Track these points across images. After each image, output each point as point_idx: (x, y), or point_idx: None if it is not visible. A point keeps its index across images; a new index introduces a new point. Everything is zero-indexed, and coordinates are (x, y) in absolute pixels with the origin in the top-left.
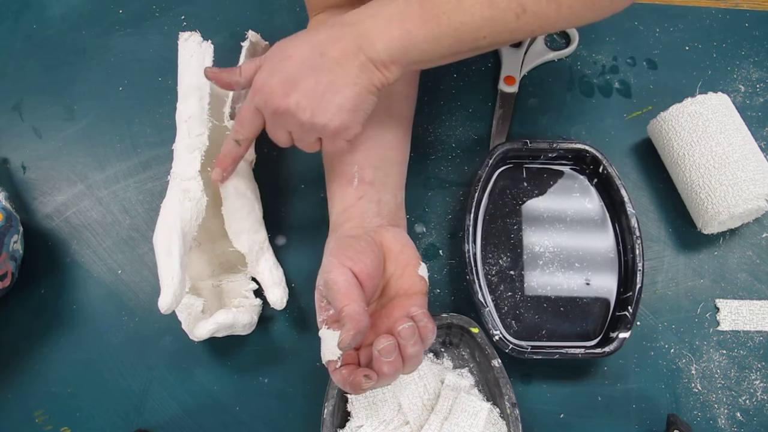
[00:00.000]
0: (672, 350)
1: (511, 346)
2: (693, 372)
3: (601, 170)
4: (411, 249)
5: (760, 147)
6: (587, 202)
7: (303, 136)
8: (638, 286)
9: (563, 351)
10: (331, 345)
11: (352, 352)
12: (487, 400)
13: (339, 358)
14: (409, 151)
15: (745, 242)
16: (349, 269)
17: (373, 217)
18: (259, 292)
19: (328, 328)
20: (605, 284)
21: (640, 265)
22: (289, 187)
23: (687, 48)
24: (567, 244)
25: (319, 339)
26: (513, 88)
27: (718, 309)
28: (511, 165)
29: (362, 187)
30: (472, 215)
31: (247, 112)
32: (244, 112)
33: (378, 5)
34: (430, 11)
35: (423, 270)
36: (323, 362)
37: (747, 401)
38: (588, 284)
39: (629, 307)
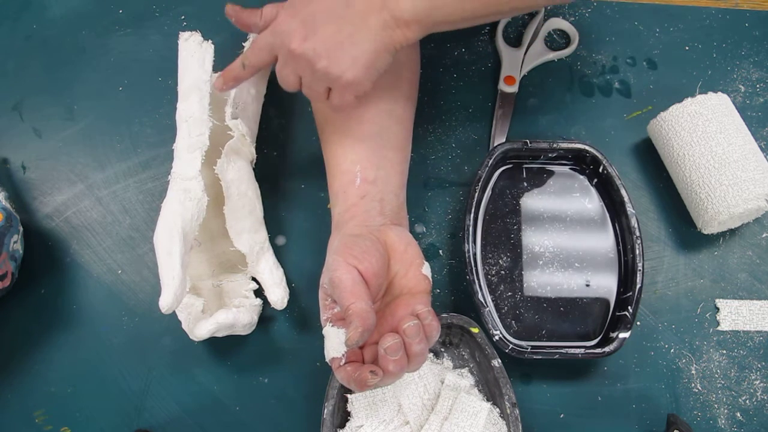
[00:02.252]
0: (672, 350)
1: (511, 346)
2: (693, 372)
3: (601, 170)
4: (414, 248)
5: (760, 147)
6: (587, 202)
7: (313, 84)
8: (638, 286)
9: (563, 351)
10: (335, 342)
11: (356, 349)
12: (487, 400)
13: (343, 355)
14: (410, 151)
15: (745, 242)
16: (354, 267)
17: (376, 216)
18: (259, 292)
19: (332, 326)
20: (605, 284)
21: (640, 265)
22: (290, 187)
23: (687, 48)
24: (567, 244)
25: (320, 338)
26: (513, 88)
27: (718, 309)
28: (511, 165)
29: (364, 186)
30: (472, 215)
31: (262, 44)
32: (259, 41)
33: None
34: None
35: (426, 269)
36: (327, 360)
37: (747, 401)
38: (588, 284)
39: (629, 307)
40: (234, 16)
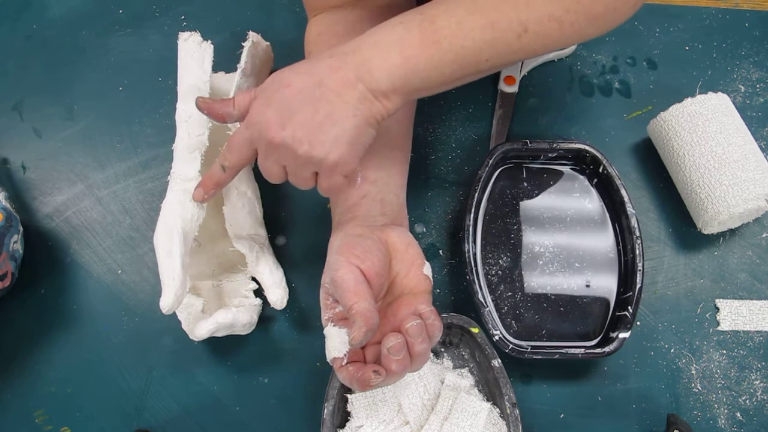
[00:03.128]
0: (672, 350)
1: (511, 346)
2: (693, 372)
3: (601, 170)
4: (415, 248)
5: (760, 147)
6: (587, 202)
7: (298, 171)
8: (638, 286)
9: (563, 351)
10: (337, 342)
11: (358, 349)
12: (487, 400)
13: (345, 355)
14: (410, 151)
15: (745, 242)
16: (357, 267)
17: (377, 216)
18: (259, 292)
19: (334, 326)
20: (605, 284)
21: (640, 265)
22: (289, 187)
23: (687, 48)
24: (567, 244)
25: (320, 338)
26: (513, 88)
27: (718, 309)
28: (511, 165)
29: (365, 186)
30: (472, 215)
31: (239, 140)
32: (235, 138)
33: (377, 33)
34: (431, 37)
35: (427, 269)
36: (328, 360)
37: (747, 401)
38: (588, 284)
39: (629, 307)
40: (206, 109)
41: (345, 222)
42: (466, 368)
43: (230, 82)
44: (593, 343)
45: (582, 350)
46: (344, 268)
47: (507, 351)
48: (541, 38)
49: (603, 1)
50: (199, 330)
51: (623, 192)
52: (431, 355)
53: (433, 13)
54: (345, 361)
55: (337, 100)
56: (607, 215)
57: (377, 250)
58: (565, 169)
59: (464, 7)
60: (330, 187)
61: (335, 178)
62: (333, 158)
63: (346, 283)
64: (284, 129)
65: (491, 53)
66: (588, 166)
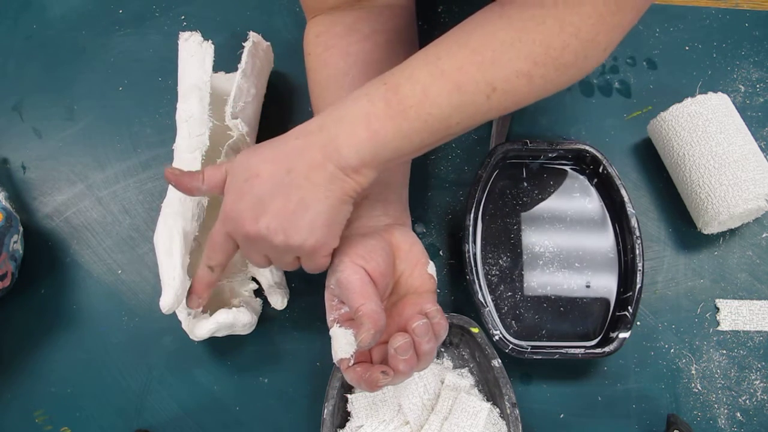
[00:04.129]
0: (672, 350)
1: (511, 346)
2: (693, 372)
3: (601, 170)
4: (419, 247)
5: (760, 147)
6: (587, 202)
7: (280, 258)
8: (638, 286)
9: (563, 351)
10: (343, 343)
11: (365, 350)
12: (487, 400)
13: (352, 356)
14: None
15: (745, 242)
16: (362, 267)
17: (380, 216)
18: (259, 292)
19: (340, 327)
20: (605, 284)
21: (640, 265)
22: None
23: (687, 48)
24: (567, 244)
25: (320, 338)
26: None
27: (718, 309)
28: (511, 165)
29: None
30: (472, 215)
31: (219, 237)
32: (215, 237)
33: (341, 108)
34: (396, 107)
35: (431, 268)
36: (335, 361)
37: (747, 401)
38: (588, 284)
39: (629, 307)
40: (174, 180)
41: (348, 223)
42: (466, 368)
43: (230, 82)
44: (593, 343)
45: (582, 350)
46: (349, 269)
47: (507, 351)
48: (511, 95)
49: (572, 50)
50: (199, 330)
51: (623, 192)
52: None
53: (396, 82)
54: (352, 362)
55: (306, 185)
56: (607, 215)
57: (381, 250)
58: (565, 169)
59: (428, 72)
60: (314, 269)
61: (317, 260)
62: (311, 243)
63: (352, 285)
64: (258, 222)
65: (461, 117)
66: (588, 166)
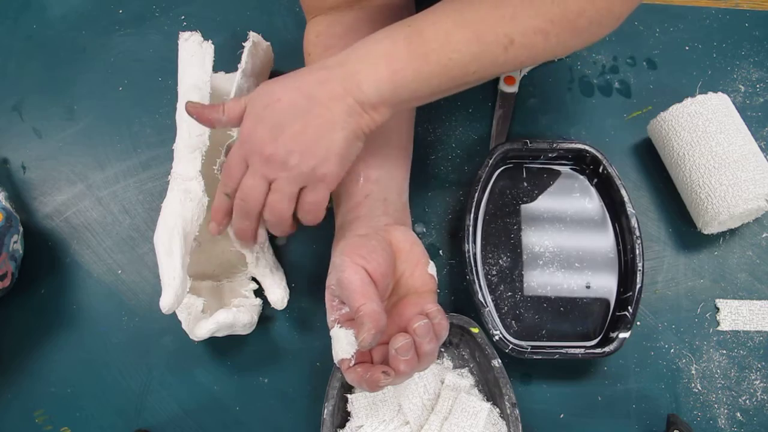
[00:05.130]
0: (672, 350)
1: (511, 346)
2: (693, 372)
3: (601, 170)
4: (419, 247)
5: (760, 147)
6: (587, 202)
7: (284, 185)
8: (638, 286)
9: (563, 351)
10: (344, 343)
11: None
12: (487, 400)
13: (352, 356)
14: (412, 151)
15: (745, 242)
16: (362, 268)
17: (381, 216)
18: (259, 292)
19: (340, 327)
20: (605, 284)
21: (640, 265)
22: None
23: (687, 48)
24: (567, 244)
25: (320, 338)
26: (513, 88)
27: (718, 309)
28: (511, 165)
29: (368, 185)
30: (472, 215)
31: (235, 161)
32: (231, 161)
33: (365, 46)
34: (418, 49)
35: (432, 268)
36: (335, 361)
37: (747, 401)
38: (588, 284)
39: (629, 307)
40: (195, 114)
41: (348, 222)
42: (466, 368)
43: (230, 82)
44: (593, 343)
45: (582, 350)
46: (350, 269)
47: (507, 351)
48: (527, 50)
49: (587, 17)
50: (200, 330)
51: (623, 192)
52: None
53: (420, 26)
54: (352, 362)
55: (325, 113)
56: (607, 215)
57: (382, 250)
58: (565, 169)
59: (452, 20)
60: (314, 202)
61: (320, 191)
62: (322, 170)
63: (352, 285)
64: (276, 141)
65: (478, 66)
66: (588, 166)
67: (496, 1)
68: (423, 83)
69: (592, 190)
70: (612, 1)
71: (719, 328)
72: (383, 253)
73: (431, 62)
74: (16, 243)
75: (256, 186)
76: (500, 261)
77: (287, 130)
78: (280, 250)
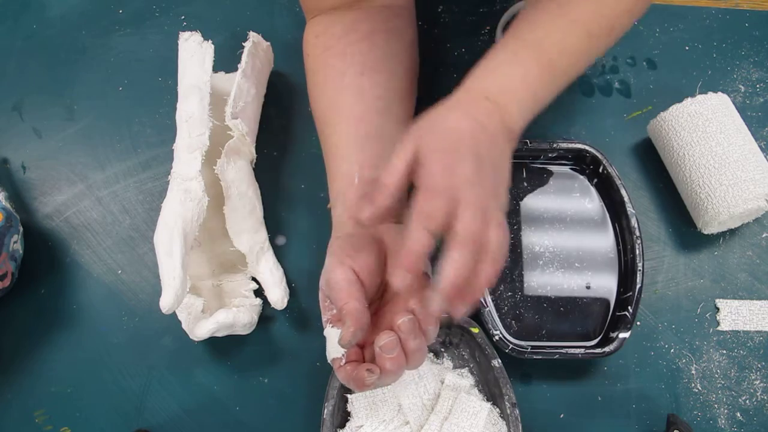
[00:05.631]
0: (672, 350)
1: (511, 346)
2: (693, 372)
3: (601, 170)
4: None
5: (760, 147)
6: (587, 202)
7: (494, 215)
8: (638, 286)
9: (563, 351)
10: (335, 343)
11: (357, 349)
12: (487, 400)
13: (343, 355)
14: None
15: (745, 242)
16: (349, 267)
17: None
18: (259, 292)
19: (332, 327)
20: (605, 284)
21: (640, 265)
22: (290, 187)
23: (687, 48)
24: (567, 244)
25: (320, 338)
26: None
27: (718, 309)
28: (511, 165)
29: (363, 186)
30: None
31: (439, 206)
32: (435, 206)
33: (501, 76)
34: (545, 64)
35: (426, 266)
36: (329, 361)
37: (747, 401)
38: (588, 284)
39: (629, 307)
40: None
41: (343, 222)
42: (466, 368)
43: (230, 82)
44: (593, 343)
45: (582, 350)
46: (337, 269)
47: (507, 351)
48: (621, 32)
49: None
50: (200, 330)
51: (623, 192)
52: (431, 354)
53: (537, 37)
54: (343, 361)
55: (499, 145)
56: (607, 215)
57: (371, 248)
58: (565, 169)
59: (561, 24)
60: (500, 233)
61: (497, 221)
62: (500, 201)
63: (338, 285)
64: (482, 171)
65: (589, 59)
66: (588, 166)
67: None
68: (552, 92)
69: (592, 190)
70: None
71: (719, 328)
72: (372, 252)
73: (556, 71)
74: (16, 243)
75: (479, 219)
76: None
77: (485, 159)
78: (280, 250)
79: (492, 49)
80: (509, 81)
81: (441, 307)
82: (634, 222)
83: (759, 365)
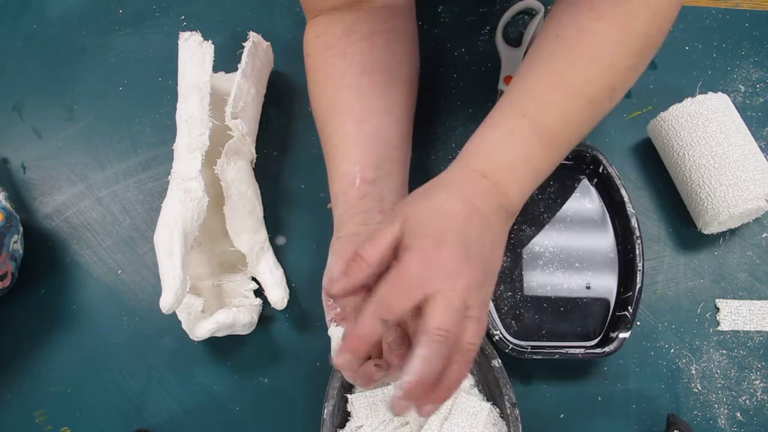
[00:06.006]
0: (672, 350)
1: (511, 346)
2: (693, 372)
3: (601, 170)
4: None
5: (760, 147)
6: (587, 202)
7: (477, 305)
8: (638, 286)
9: (563, 351)
10: (340, 342)
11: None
12: (487, 400)
13: None
14: (410, 149)
15: (745, 242)
16: None
17: (376, 215)
18: (259, 292)
19: (336, 326)
20: (605, 284)
21: (640, 265)
22: (290, 187)
23: (687, 48)
24: (567, 244)
25: (320, 338)
26: None
27: (718, 309)
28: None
29: (364, 186)
30: None
31: (407, 292)
32: (401, 291)
33: (499, 151)
34: (547, 139)
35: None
36: (332, 360)
37: (747, 401)
38: (588, 284)
39: (629, 307)
40: (338, 291)
41: (344, 222)
42: None
43: (230, 82)
44: (593, 343)
45: (582, 350)
46: (338, 268)
47: (507, 351)
48: (623, 91)
49: (663, 32)
50: (200, 330)
51: (623, 192)
52: None
53: (538, 111)
54: None
55: (492, 228)
56: (607, 215)
57: None
58: (566, 169)
59: (562, 92)
60: (475, 329)
61: (476, 315)
62: (486, 290)
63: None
64: (470, 261)
65: (590, 126)
66: (588, 166)
67: (592, 56)
68: (554, 165)
69: (592, 190)
70: (673, 6)
71: (719, 328)
72: None
73: (560, 145)
74: (16, 243)
75: (451, 316)
76: None
77: (474, 247)
78: (280, 250)
79: (490, 118)
80: (509, 159)
81: (405, 406)
82: (634, 222)
83: (759, 365)
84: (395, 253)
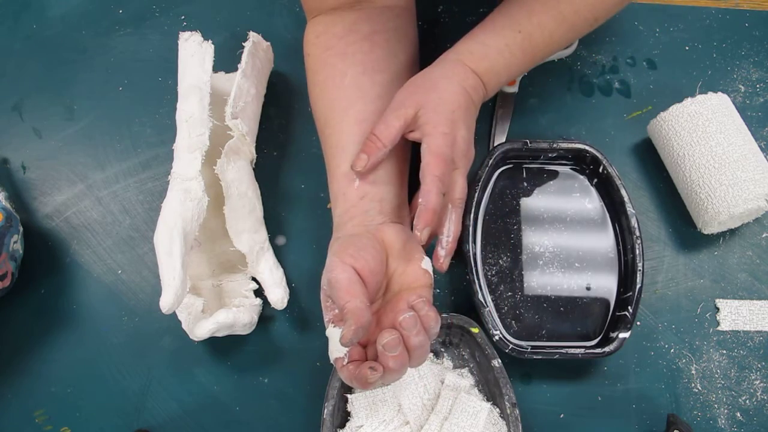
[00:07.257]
0: (672, 350)
1: (511, 346)
2: (693, 372)
3: (601, 170)
4: (413, 244)
5: (760, 147)
6: (587, 202)
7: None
8: (638, 286)
9: (563, 351)
10: (337, 342)
11: (360, 349)
12: (487, 400)
13: (346, 355)
14: (410, 149)
15: (745, 242)
16: (350, 266)
17: (376, 215)
18: (259, 292)
19: (334, 327)
20: (605, 284)
21: (640, 265)
22: (290, 187)
23: (687, 48)
24: (567, 244)
25: (320, 338)
26: (513, 88)
27: (718, 309)
28: (511, 165)
29: (363, 187)
30: (472, 215)
31: (446, 170)
32: (444, 169)
33: (492, 55)
34: (530, 54)
35: (427, 264)
36: (331, 361)
37: (747, 401)
38: (588, 284)
39: (629, 307)
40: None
41: (343, 223)
42: (466, 368)
43: (230, 82)
44: (593, 343)
45: (582, 350)
46: (338, 269)
47: (507, 351)
48: (605, 19)
49: None
50: (200, 330)
51: (623, 192)
52: (431, 355)
53: (530, 31)
54: (346, 360)
55: (475, 117)
56: (607, 215)
57: (372, 247)
58: (565, 169)
59: (554, 19)
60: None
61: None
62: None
63: (339, 284)
64: (471, 138)
65: (566, 44)
66: (588, 166)
67: None
68: (522, 72)
69: (592, 190)
70: None
71: (719, 328)
72: (372, 251)
73: (536, 60)
74: (16, 243)
75: (466, 185)
76: (500, 261)
77: (472, 129)
78: (280, 250)
79: (490, 23)
80: (499, 66)
81: (448, 262)
82: (634, 222)
83: (759, 365)
84: (404, 136)
